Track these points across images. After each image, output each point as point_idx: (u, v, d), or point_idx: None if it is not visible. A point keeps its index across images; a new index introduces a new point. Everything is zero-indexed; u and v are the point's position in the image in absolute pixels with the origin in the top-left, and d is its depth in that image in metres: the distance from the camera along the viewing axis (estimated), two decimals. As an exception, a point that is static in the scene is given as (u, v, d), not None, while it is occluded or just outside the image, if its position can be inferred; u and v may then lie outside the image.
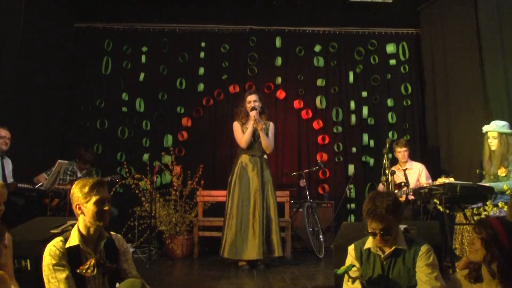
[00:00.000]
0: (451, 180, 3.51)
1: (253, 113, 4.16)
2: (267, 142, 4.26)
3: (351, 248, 2.24)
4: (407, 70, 6.03)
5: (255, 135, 4.25)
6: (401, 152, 4.78)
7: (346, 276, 2.16)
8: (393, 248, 2.09)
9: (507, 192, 3.37)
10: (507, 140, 3.78)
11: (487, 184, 3.61)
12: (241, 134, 4.26)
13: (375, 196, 2.08)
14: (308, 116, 5.91)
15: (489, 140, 3.86)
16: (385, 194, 2.08)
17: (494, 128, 3.83)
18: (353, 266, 2.15)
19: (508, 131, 3.82)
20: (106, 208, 1.96)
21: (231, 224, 4.10)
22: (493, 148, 3.83)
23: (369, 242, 2.17)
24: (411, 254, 2.08)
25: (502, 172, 3.69)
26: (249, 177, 4.18)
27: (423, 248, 2.08)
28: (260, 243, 3.98)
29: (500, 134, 3.79)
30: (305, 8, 5.89)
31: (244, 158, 4.25)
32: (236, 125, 4.34)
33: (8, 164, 4.28)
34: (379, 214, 2.01)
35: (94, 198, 1.93)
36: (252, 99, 4.24)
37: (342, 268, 2.14)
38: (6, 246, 1.87)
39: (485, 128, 3.91)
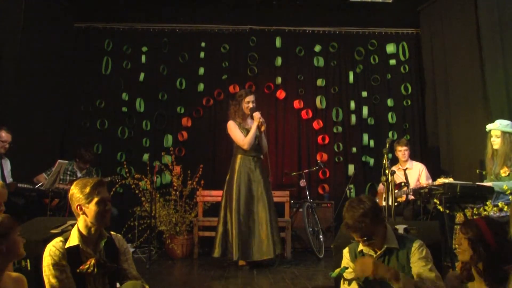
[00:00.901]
0: (450, 180, 3.51)
1: (258, 114, 4.15)
2: (265, 142, 4.32)
3: (345, 251, 2.26)
4: (407, 70, 6.03)
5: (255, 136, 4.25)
6: (402, 151, 4.78)
7: (342, 279, 2.17)
8: (384, 247, 2.10)
9: (507, 192, 3.37)
10: (511, 139, 3.77)
11: (488, 184, 3.59)
12: (241, 135, 4.21)
13: (347, 206, 2.07)
14: (308, 116, 5.91)
15: (492, 139, 3.84)
16: (356, 203, 2.04)
17: (497, 127, 3.80)
18: (347, 268, 2.16)
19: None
20: (108, 208, 1.96)
21: (239, 224, 4.02)
22: (495, 147, 3.81)
23: (362, 244, 2.17)
24: (405, 251, 2.09)
25: (504, 171, 3.68)
26: (253, 178, 4.16)
27: (415, 244, 2.09)
28: (269, 242, 3.99)
29: (504, 133, 3.77)
30: (305, 8, 5.89)
31: (246, 159, 4.21)
32: (233, 125, 4.26)
33: (7, 164, 4.27)
34: (351, 226, 2.02)
35: (96, 199, 1.92)
36: (251, 100, 4.22)
37: (336, 271, 2.15)
38: (24, 240, 1.85)
39: (488, 127, 3.89)
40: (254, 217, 4.07)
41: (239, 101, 4.28)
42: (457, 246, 3.57)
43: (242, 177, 4.15)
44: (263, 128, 4.20)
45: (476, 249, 1.92)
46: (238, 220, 4.04)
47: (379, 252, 2.11)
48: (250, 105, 4.19)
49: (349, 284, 2.12)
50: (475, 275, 1.98)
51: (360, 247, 2.17)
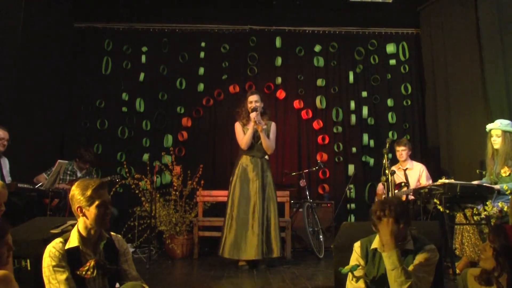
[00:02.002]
0: (452, 181, 3.50)
1: (253, 115, 4.15)
2: (267, 143, 4.25)
3: (356, 246, 2.24)
4: (407, 70, 6.03)
5: (255, 136, 4.25)
6: (399, 151, 4.78)
7: (350, 275, 2.15)
8: (401, 249, 2.08)
9: (507, 192, 3.37)
10: (511, 138, 3.76)
11: (497, 187, 3.58)
12: (242, 135, 4.26)
13: (384, 203, 2.08)
14: (308, 116, 5.91)
15: (493, 138, 3.83)
16: (394, 202, 2.07)
17: (498, 126, 3.80)
18: (358, 266, 2.14)
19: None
20: (108, 211, 1.96)
21: (231, 224, 4.10)
22: (496, 146, 3.81)
23: (376, 242, 2.16)
24: (415, 253, 2.08)
25: (504, 171, 3.67)
26: (249, 178, 4.18)
27: (426, 247, 2.09)
28: (259, 243, 3.99)
29: (504, 132, 3.76)
30: (305, 8, 5.88)
31: (245, 159, 4.26)
32: (238, 126, 4.34)
33: (6, 163, 4.26)
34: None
35: (97, 202, 1.92)
36: (253, 99, 4.23)
37: (347, 267, 2.13)
38: (12, 248, 1.83)
39: (489, 126, 3.89)
40: (247, 217, 4.08)
41: (244, 101, 4.35)
42: (458, 246, 3.57)
43: (240, 177, 4.19)
44: (259, 129, 4.20)
45: (501, 260, 1.83)
46: (233, 219, 4.09)
47: None
48: (253, 104, 4.21)
49: (357, 281, 2.12)
50: (496, 282, 1.90)
51: (374, 244, 2.16)
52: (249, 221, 4.07)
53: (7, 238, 1.77)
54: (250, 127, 4.22)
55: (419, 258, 2.05)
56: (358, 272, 2.13)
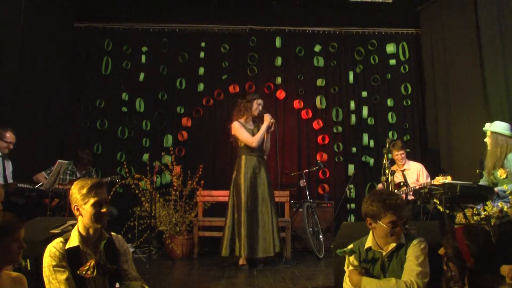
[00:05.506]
0: (448, 179, 3.50)
1: (269, 115, 4.28)
2: (269, 145, 4.39)
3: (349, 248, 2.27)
4: (407, 70, 6.03)
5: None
6: (399, 155, 4.79)
7: (345, 276, 2.19)
8: (396, 244, 2.11)
9: (507, 193, 3.36)
10: (501, 140, 3.75)
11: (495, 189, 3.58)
12: (249, 134, 4.25)
13: (391, 192, 2.14)
14: (308, 116, 5.91)
15: (486, 139, 3.88)
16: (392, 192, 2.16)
17: (488, 128, 3.84)
18: (355, 252, 2.21)
19: (503, 131, 3.78)
20: (103, 210, 1.95)
21: (243, 224, 4.07)
22: (488, 147, 3.84)
23: (369, 241, 2.19)
24: (406, 247, 2.12)
25: (501, 173, 3.67)
26: (257, 178, 4.21)
27: (415, 241, 2.12)
28: (273, 240, 4.08)
29: (493, 133, 3.78)
30: (305, 8, 5.89)
31: (251, 159, 4.26)
32: (239, 125, 4.30)
33: (9, 165, 4.28)
34: (405, 208, 2.10)
35: (92, 200, 1.92)
36: (261, 103, 4.37)
37: (343, 250, 2.23)
38: (23, 246, 1.75)
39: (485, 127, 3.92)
40: (258, 217, 4.13)
41: (250, 100, 4.34)
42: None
43: (249, 176, 4.20)
44: (272, 128, 4.30)
45: (453, 267, 1.80)
46: (247, 218, 4.08)
47: (389, 249, 2.13)
48: (260, 108, 4.34)
49: (350, 255, 2.23)
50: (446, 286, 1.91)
51: (367, 244, 2.19)
52: (260, 220, 4.12)
53: (18, 234, 1.73)
54: (264, 126, 4.26)
55: (410, 253, 2.09)
56: (352, 259, 2.21)
